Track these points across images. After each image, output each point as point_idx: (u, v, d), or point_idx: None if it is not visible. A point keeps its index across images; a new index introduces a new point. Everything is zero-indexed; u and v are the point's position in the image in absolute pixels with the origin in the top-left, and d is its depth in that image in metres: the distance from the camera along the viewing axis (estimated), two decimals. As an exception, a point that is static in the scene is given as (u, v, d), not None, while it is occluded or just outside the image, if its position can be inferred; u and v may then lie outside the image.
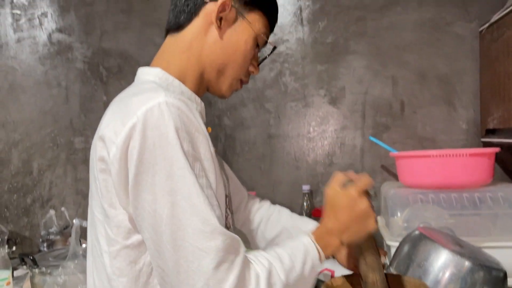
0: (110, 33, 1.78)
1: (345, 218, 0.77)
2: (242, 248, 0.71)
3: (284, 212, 1.07)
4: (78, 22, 1.79)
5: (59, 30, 1.80)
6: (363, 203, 0.77)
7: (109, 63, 1.78)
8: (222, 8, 0.82)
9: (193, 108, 0.75)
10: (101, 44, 1.79)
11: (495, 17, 1.32)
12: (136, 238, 0.72)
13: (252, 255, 0.73)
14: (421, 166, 1.28)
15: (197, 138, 0.71)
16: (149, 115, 0.67)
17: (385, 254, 0.90)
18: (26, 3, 1.81)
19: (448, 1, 1.57)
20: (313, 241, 0.78)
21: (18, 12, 1.81)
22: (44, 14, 1.80)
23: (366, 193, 0.79)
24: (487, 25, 1.39)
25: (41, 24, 1.80)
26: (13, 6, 1.81)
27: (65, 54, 1.80)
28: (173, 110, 0.68)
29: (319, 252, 0.78)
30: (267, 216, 1.06)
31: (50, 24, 1.80)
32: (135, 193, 0.69)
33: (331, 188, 0.80)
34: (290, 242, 0.79)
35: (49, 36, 1.80)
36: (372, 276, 0.79)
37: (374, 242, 0.82)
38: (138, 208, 0.69)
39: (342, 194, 0.78)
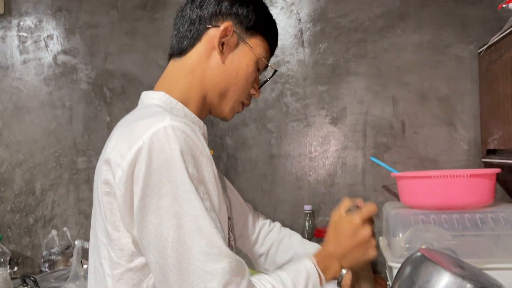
0: (114, 55, 1.81)
1: (346, 244, 0.80)
2: (247, 271, 0.72)
3: (295, 238, 1.07)
4: (83, 44, 1.82)
5: (64, 52, 1.83)
6: (365, 231, 0.79)
7: (113, 84, 1.81)
8: (224, 34, 0.84)
9: (197, 131, 0.76)
10: (105, 66, 1.81)
11: (493, 39, 1.34)
12: (139, 261, 0.73)
13: (256, 279, 0.73)
14: (422, 186, 1.28)
15: (201, 161, 0.73)
16: (155, 139, 0.68)
17: None
18: (33, 26, 1.84)
19: (446, 23, 1.59)
20: (315, 265, 0.80)
21: (25, 34, 1.85)
22: (50, 37, 1.84)
23: (370, 221, 0.81)
24: (485, 47, 1.41)
25: (46, 46, 1.84)
26: (19, 28, 1.85)
27: (69, 75, 1.83)
28: (178, 134, 0.70)
29: (320, 276, 0.79)
30: (278, 240, 1.06)
31: (55, 46, 1.83)
32: (140, 216, 0.69)
33: (336, 213, 0.83)
34: (293, 265, 0.81)
35: (54, 57, 1.83)
36: None
37: (371, 271, 0.83)
38: (143, 231, 0.70)
39: (346, 220, 0.81)
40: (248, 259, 1.05)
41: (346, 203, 0.84)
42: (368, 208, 0.81)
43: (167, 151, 0.68)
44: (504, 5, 1.15)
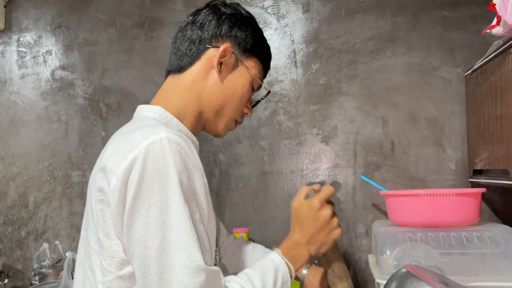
0: (111, 71, 1.84)
1: (310, 228, 0.82)
2: (222, 282, 0.74)
3: (259, 247, 1.10)
4: (81, 60, 1.86)
5: (62, 67, 1.87)
6: (325, 211, 0.82)
7: (109, 99, 1.84)
8: (223, 54, 0.88)
9: (191, 144, 0.79)
10: (102, 81, 1.84)
11: (478, 63, 1.38)
12: (128, 269, 0.74)
13: (226, 281, 0.75)
14: (409, 204, 1.31)
15: (193, 173, 0.75)
16: (151, 149, 0.71)
17: None
18: (32, 42, 1.88)
19: (434, 47, 1.64)
20: (281, 256, 0.82)
21: (24, 49, 1.88)
22: (49, 52, 1.87)
23: (329, 202, 0.84)
24: (471, 70, 1.46)
25: (45, 61, 1.87)
26: (19, 44, 1.88)
27: (66, 90, 1.86)
28: (173, 146, 0.72)
29: (288, 266, 0.81)
30: (243, 250, 1.09)
31: (53, 61, 1.87)
32: (129, 224, 0.71)
33: (296, 200, 0.86)
34: (260, 261, 0.83)
35: (52, 72, 1.86)
36: (340, 285, 0.82)
37: (340, 252, 0.86)
38: (130, 238, 0.71)
39: (306, 205, 0.84)
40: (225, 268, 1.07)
41: (304, 190, 0.86)
42: (325, 190, 0.84)
43: (161, 162, 0.70)
44: (488, 30, 1.20)
